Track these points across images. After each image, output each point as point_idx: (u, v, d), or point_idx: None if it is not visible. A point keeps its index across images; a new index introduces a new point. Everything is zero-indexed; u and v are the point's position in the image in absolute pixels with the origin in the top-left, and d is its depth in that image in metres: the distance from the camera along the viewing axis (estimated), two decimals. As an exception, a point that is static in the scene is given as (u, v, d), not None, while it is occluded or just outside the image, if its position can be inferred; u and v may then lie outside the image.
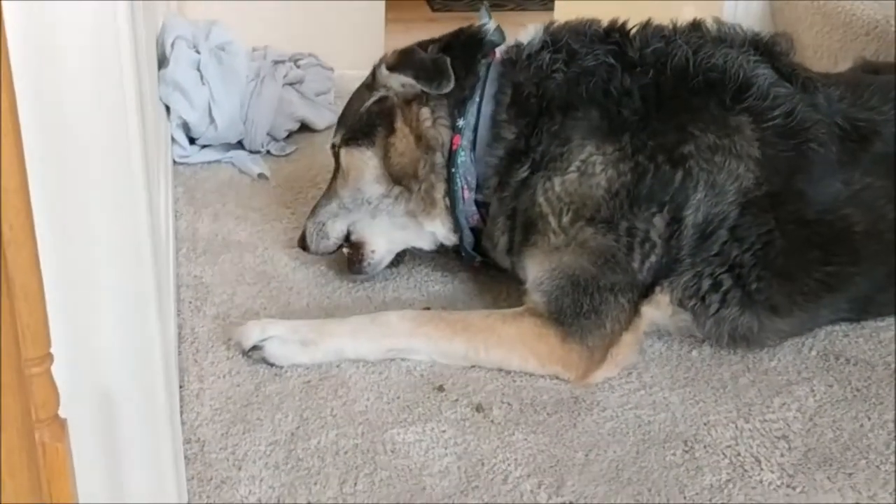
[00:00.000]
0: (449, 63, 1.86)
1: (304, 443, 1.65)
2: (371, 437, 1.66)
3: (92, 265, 1.23)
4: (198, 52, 2.53)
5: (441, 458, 1.63)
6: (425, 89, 1.88)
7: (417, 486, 1.57)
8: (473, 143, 1.88)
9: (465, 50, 1.92)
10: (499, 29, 1.96)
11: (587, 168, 1.79)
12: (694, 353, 1.89)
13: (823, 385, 1.81)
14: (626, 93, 1.79)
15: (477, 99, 1.88)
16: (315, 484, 1.57)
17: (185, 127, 2.51)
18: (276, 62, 2.69)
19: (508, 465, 1.61)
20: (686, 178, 1.76)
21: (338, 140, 2.05)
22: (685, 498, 1.56)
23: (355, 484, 1.57)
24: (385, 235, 2.04)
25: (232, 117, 2.53)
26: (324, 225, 2.06)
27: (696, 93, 1.79)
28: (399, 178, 1.96)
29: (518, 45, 1.92)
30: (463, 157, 1.89)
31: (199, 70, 2.50)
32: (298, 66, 2.80)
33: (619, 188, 1.77)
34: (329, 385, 1.78)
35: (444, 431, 1.68)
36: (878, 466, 1.62)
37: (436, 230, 2.00)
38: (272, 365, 1.82)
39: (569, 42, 1.86)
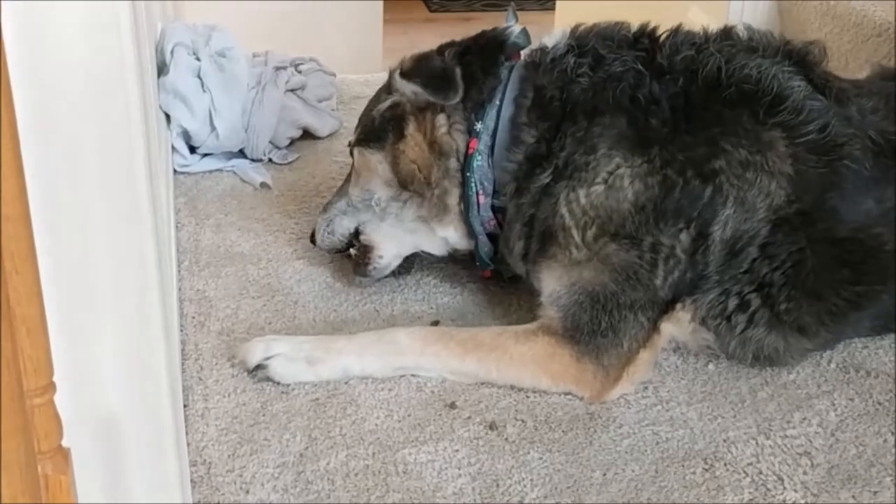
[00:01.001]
0: (459, 74, 1.81)
1: (313, 464, 1.60)
2: (382, 458, 1.62)
3: (93, 284, 1.19)
4: (198, 58, 2.48)
5: (455, 478, 1.58)
6: (432, 99, 1.84)
7: (431, 509, 1.53)
8: (492, 147, 1.84)
9: (485, 53, 1.87)
10: (524, 31, 1.91)
11: (615, 181, 1.73)
12: (710, 366, 1.85)
13: (844, 398, 1.76)
14: (654, 101, 1.74)
15: (497, 102, 1.83)
16: (325, 508, 1.53)
17: (186, 135, 2.46)
18: (278, 68, 2.64)
19: (524, 485, 1.57)
20: (716, 193, 1.70)
21: (353, 138, 2.02)
22: (707, 519, 1.51)
23: (367, 507, 1.53)
24: (394, 239, 2.00)
25: (233, 125, 2.47)
26: (332, 221, 2.03)
27: (729, 105, 1.73)
28: (407, 184, 1.92)
29: (542, 49, 1.86)
30: (479, 161, 1.84)
31: (199, 77, 2.44)
32: (300, 72, 2.75)
33: (645, 202, 1.72)
34: (338, 403, 1.74)
35: (457, 451, 1.63)
36: (904, 484, 1.57)
37: (448, 236, 1.96)
38: (278, 383, 1.78)
39: (595, 47, 1.81)
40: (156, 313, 1.24)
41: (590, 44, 1.81)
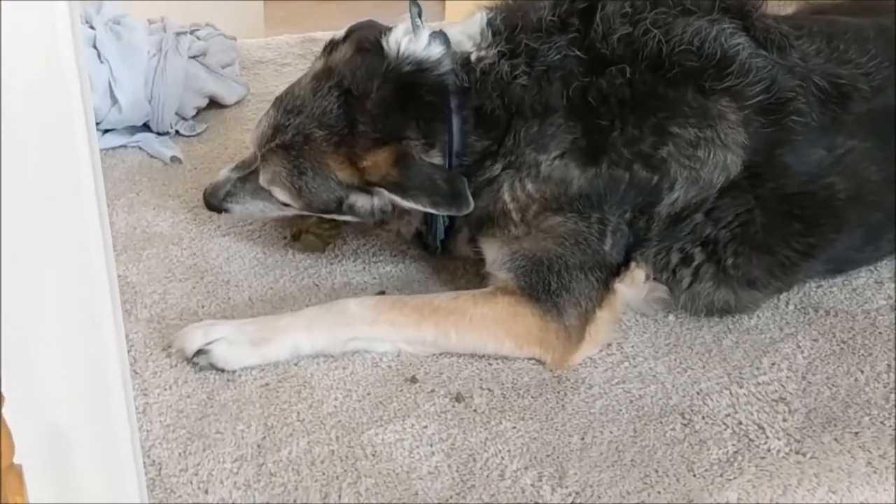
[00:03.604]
0: (466, 184, 1.66)
1: (273, 455, 1.49)
2: (347, 441, 1.52)
3: (35, 280, 1.05)
4: (91, 27, 2.29)
5: (428, 457, 1.49)
6: (443, 215, 1.74)
7: (408, 492, 1.43)
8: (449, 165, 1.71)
9: (435, 108, 1.69)
10: (447, 51, 1.70)
11: (565, 179, 1.66)
12: (671, 317, 1.79)
13: (808, 340, 1.74)
14: (604, 100, 1.64)
15: (445, 136, 1.69)
16: (295, 502, 1.42)
17: (85, 111, 2.27)
18: (179, 34, 2.45)
19: (502, 458, 1.49)
20: (662, 180, 1.65)
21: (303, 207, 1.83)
22: (695, 475, 1.46)
23: (339, 496, 1.43)
24: None
25: (136, 97, 2.29)
26: None
27: (673, 84, 1.65)
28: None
29: (466, 62, 1.69)
30: None
31: (94, 47, 2.26)
32: (198, 38, 2.57)
33: (590, 193, 1.66)
34: (290, 386, 1.62)
35: (425, 427, 1.54)
36: (882, 423, 1.55)
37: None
38: (222, 370, 1.65)
39: (527, 43, 1.67)
40: (106, 315, 1.11)
41: (521, 43, 1.67)
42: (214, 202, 1.92)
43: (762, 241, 1.71)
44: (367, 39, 1.74)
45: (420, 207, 1.68)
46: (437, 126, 1.68)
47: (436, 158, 1.68)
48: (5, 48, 0.93)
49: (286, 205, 1.82)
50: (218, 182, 1.93)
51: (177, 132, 2.41)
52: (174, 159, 2.30)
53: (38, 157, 0.99)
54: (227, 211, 1.94)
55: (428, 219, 1.79)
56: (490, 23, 1.72)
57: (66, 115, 1.01)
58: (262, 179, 1.81)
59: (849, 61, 1.73)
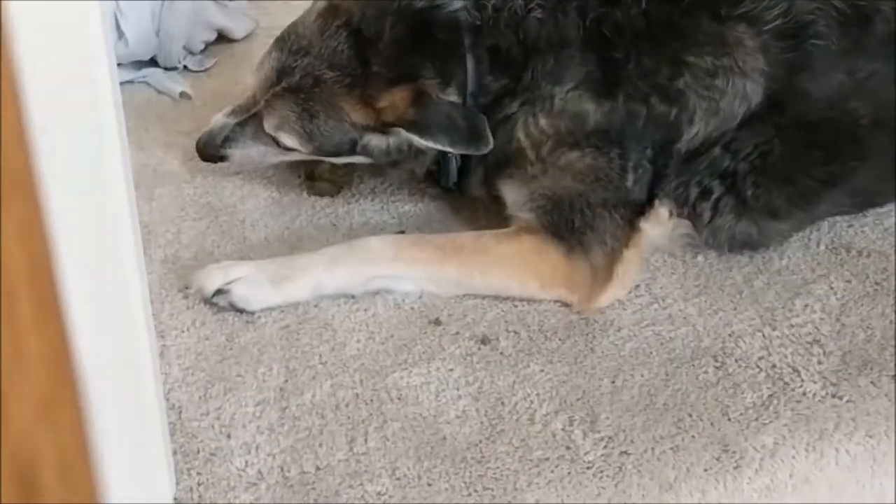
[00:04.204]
0: (485, 122, 1.62)
1: (297, 398, 1.46)
2: (372, 385, 1.48)
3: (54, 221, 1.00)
4: (96, -43, 2.20)
5: (455, 400, 1.46)
6: (461, 153, 1.69)
7: (436, 436, 1.40)
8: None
9: (450, 45, 1.64)
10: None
11: (579, 112, 1.63)
12: (700, 258, 1.74)
13: (841, 281, 1.69)
14: (618, 31, 1.60)
15: (461, 74, 1.64)
16: (320, 446, 1.39)
17: (90, 45, 2.20)
18: (186, -35, 2.37)
19: (531, 401, 1.45)
20: (681, 112, 1.61)
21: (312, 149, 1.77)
22: (730, 419, 1.43)
23: (366, 440, 1.39)
24: None
25: (143, 31, 2.22)
26: None
27: (688, 12, 1.61)
28: None
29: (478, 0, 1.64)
30: None
31: (100, -22, 2.18)
32: (205, -31, 2.49)
33: (608, 127, 1.63)
34: (311, 328, 1.58)
35: (451, 370, 1.51)
36: (920, 365, 1.52)
37: None
38: (241, 311, 1.61)
39: None
40: (129, 256, 1.07)
41: None
42: (211, 151, 1.83)
43: (782, 170, 1.68)
44: None
45: (439, 146, 1.63)
46: (451, 65, 1.63)
47: (452, 97, 1.63)
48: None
49: (291, 149, 1.77)
50: (213, 129, 1.82)
51: (185, 67, 2.34)
52: (183, 95, 2.23)
53: (58, 91, 0.94)
54: (225, 159, 1.86)
55: (440, 158, 1.75)
56: None
57: (86, 48, 0.96)
58: (268, 125, 1.74)
59: None
